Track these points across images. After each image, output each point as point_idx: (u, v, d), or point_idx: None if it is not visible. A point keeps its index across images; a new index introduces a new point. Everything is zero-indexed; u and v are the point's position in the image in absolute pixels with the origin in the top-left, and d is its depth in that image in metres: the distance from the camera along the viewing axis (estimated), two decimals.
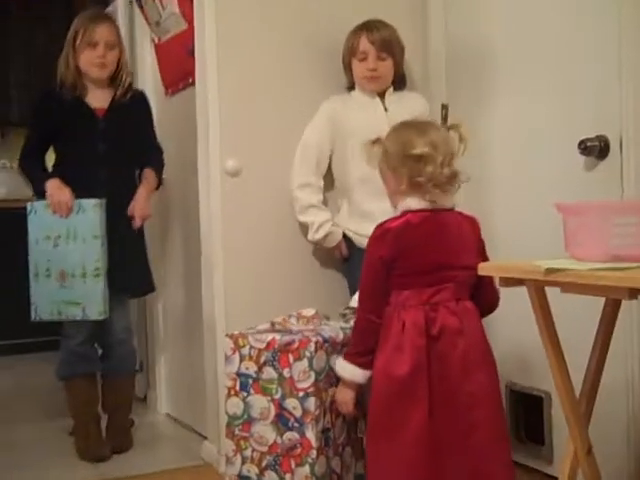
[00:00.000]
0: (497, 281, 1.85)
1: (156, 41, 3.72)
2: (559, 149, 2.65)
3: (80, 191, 2.97)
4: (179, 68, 3.46)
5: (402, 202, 2.03)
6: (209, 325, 3.04)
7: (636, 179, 2.38)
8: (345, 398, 2.07)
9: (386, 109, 2.89)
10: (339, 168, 2.90)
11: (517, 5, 2.85)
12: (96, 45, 3.04)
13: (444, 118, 3.15)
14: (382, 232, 2.02)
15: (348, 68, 2.97)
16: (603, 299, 1.88)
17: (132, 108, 3.16)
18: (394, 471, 1.91)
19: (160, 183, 3.28)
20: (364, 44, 2.89)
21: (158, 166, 3.26)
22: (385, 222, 2.05)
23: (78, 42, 3.04)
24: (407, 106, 2.85)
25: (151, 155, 3.26)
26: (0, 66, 5.81)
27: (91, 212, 2.94)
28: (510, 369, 2.87)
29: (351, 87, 3.01)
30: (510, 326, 2.88)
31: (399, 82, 2.99)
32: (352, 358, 2.04)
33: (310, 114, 2.99)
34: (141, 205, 3.11)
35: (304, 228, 2.99)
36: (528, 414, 2.88)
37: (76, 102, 3.07)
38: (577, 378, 1.87)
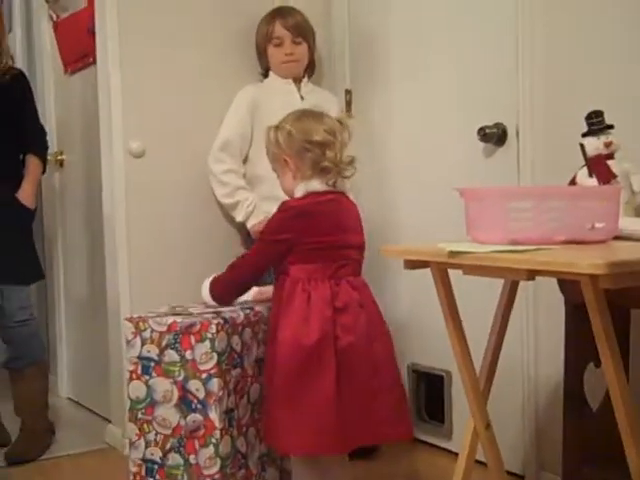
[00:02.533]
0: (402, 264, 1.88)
1: (54, 18, 3.62)
2: (459, 135, 2.72)
3: None
4: (79, 47, 3.37)
5: (302, 184, 2.09)
6: (113, 308, 3.01)
7: (532, 165, 2.47)
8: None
9: (302, 97, 2.92)
10: (254, 155, 2.89)
11: None
12: None
13: (348, 103, 3.21)
14: (286, 209, 2.08)
15: (263, 54, 3.00)
16: (502, 280, 1.94)
17: (12, 90, 3.01)
18: (303, 436, 1.98)
19: (45, 166, 3.15)
20: (279, 30, 2.93)
21: (41, 151, 3.12)
22: (290, 201, 2.11)
23: None
24: (322, 103, 2.86)
25: (34, 138, 3.11)
26: None
27: None
28: (412, 350, 2.95)
29: (265, 74, 3.03)
30: (410, 308, 2.95)
31: (311, 67, 3.03)
32: (214, 292, 2.20)
33: (217, 95, 2.99)
34: (27, 198, 3.00)
35: (211, 211, 3.00)
36: (429, 393, 2.96)
37: None
38: (476, 357, 1.93)
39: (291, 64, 2.94)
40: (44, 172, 3.17)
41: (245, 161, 2.95)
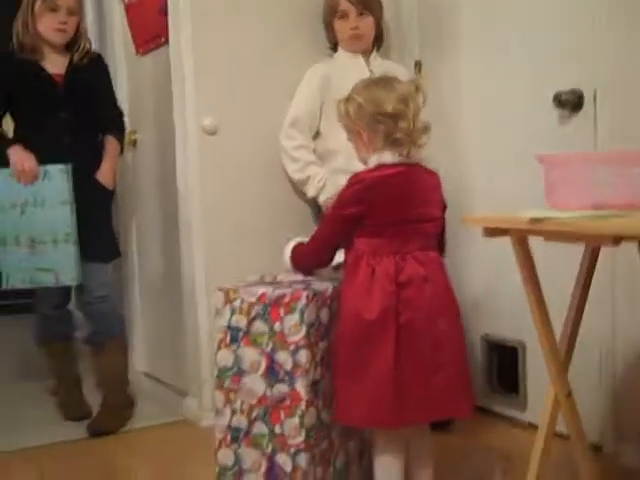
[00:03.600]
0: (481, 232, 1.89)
1: (125, 0, 3.68)
2: (533, 103, 2.70)
3: (44, 157, 2.90)
4: (150, 27, 3.43)
5: (375, 155, 2.07)
6: (188, 284, 3.07)
7: (609, 132, 2.44)
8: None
9: (371, 71, 2.92)
10: (326, 130, 2.93)
11: None
12: (57, 10, 2.95)
13: (417, 74, 3.21)
14: (357, 182, 2.06)
15: (330, 28, 3.02)
16: (581, 250, 1.94)
17: (90, 72, 3.07)
18: (360, 408, 2.00)
19: (122, 148, 3.23)
20: (344, 3, 2.94)
21: (119, 132, 3.20)
22: (360, 173, 2.09)
23: (38, 5, 2.94)
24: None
25: (112, 120, 3.19)
26: None
27: (58, 178, 2.88)
28: (485, 321, 2.95)
29: (333, 49, 3.05)
30: (484, 278, 2.96)
31: (379, 40, 3.04)
32: (294, 261, 2.23)
33: (287, 71, 3.03)
34: (106, 179, 3.08)
35: (283, 187, 3.05)
36: (502, 364, 2.97)
37: (33, 67, 2.98)
38: (555, 326, 1.94)
39: (356, 38, 2.95)
40: (122, 152, 3.24)
41: (316, 136, 2.99)
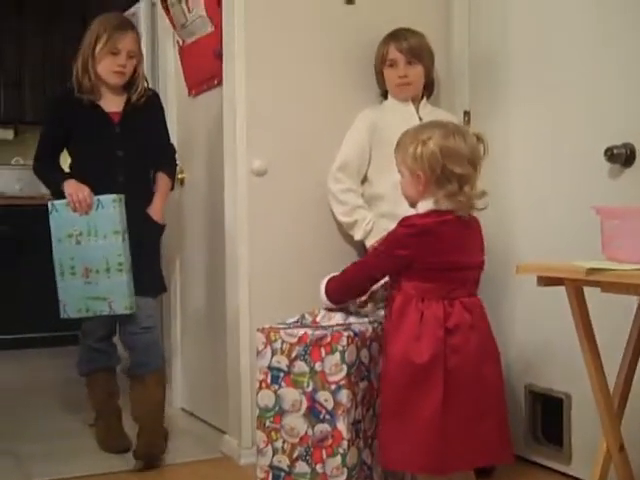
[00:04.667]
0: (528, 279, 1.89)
1: (181, 43, 3.75)
2: (584, 157, 2.69)
3: (98, 193, 2.95)
4: (204, 70, 3.49)
5: (430, 201, 2.07)
6: (233, 321, 3.09)
7: None
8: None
9: (420, 118, 2.94)
10: (373, 175, 2.97)
11: (541, 11, 2.90)
12: (118, 53, 3.02)
13: (467, 125, 3.23)
14: (409, 225, 2.07)
15: (380, 76, 3.06)
16: (634, 303, 1.93)
17: (146, 111, 3.14)
18: (405, 452, 2.00)
19: (174, 184, 3.29)
20: (393, 52, 2.98)
21: (171, 168, 3.26)
22: (413, 217, 2.10)
23: (99, 48, 3.00)
24: None
25: (165, 156, 3.25)
26: (15, 66, 5.84)
27: (110, 207, 2.93)
28: (528, 370, 2.92)
29: (384, 95, 3.09)
30: (527, 328, 2.93)
31: (429, 88, 3.07)
32: (329, 291, 2.25)
33: (338, 117, 3.06)
34: (158, 214, 3.15)
35: (330, 229, 3.07)
36: (546, 415, 2.93)
37: (91, 106, 3.05)
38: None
39: (405, 86, 2.98)
40: (172, 189, 3.29)
41: (364, 181, 3.02)
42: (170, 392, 3.88)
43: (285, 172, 3.07)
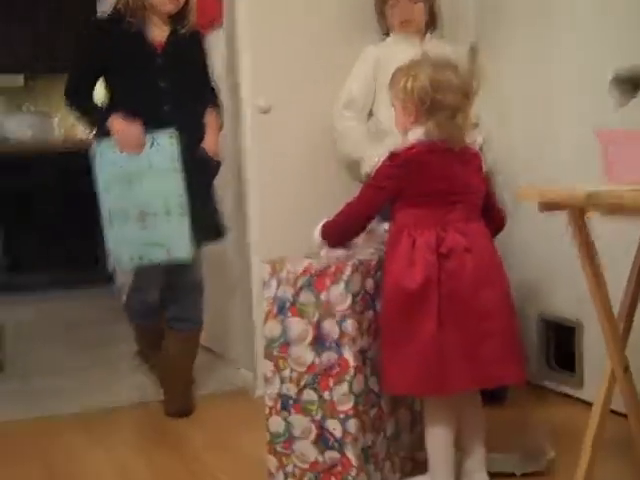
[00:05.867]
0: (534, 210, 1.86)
1: None
2: (591, 84, 2.63)
3: (146, 126, 2.70)
4: (206, 12, 3.39)
5: (420, 130, 2.06)
6: (242, 255, 3.09)
7: None
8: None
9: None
10: (378, 110, 2.91)
11: None
12: None
13: (473, 59, 3.15)
14: (395, 158, 2.06)
15: (381, 15, 3.00)
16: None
17: (189, 45, 2.90)
18: (405, 377, 2.02)
19: (222, 123, 2.99)
20: None
21: (218, 107, 2.97)
22: (401, 149, 2.08)
23: None
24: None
25: (211, 94, 2.99)
26: (27, 15, 5.75)
27: (167, 144, 2.67)
28: (541, 299, 2.91)
29: (386, 33, 3.02)
30: (540, 257, 2.91)
31: (432, 22, 3.00)
32: (324, 232, 2.19)
33: (341, 53, 3.02)
34: (214, 149, 2.87)
35: (335, 166, 3.04)
36: (559, 343, 2.93)
37: (133, 34, 2.79)
38: (613, 303, 1.89)
39: (407, 23, 2.91)
40: (221, 128, 2.99)
41: (369, 117, 2.97)
42: None
43: (290, 109, 3.05)
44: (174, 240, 2.69)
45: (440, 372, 1.99)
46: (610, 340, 1.82)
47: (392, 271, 2.07)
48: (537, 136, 2.91)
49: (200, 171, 2.79)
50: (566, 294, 2.80)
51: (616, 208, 1.60)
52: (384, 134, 2.87)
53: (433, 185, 2.05)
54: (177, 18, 2.87)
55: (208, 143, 2.86)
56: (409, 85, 2.06)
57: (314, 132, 3.05)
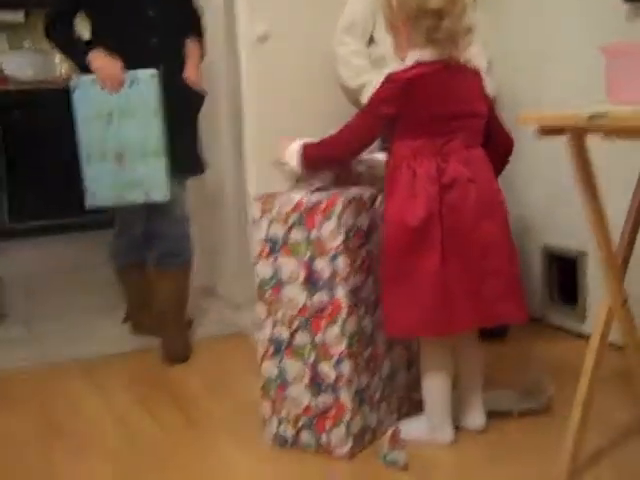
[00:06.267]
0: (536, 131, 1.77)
1: None
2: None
3: (129, 61, 2.64)
4: None
5: (414, 53, 1.98)
6: (238, 191, 3.02)
7: None
8: (281, 152, 2.12)
9: None
10: (379, 36, 2.80)
11: None
12: None
13: None
14: (391, 81, 1.96)
15: None
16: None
17: None
18: (408, 317, 1.96)
19: (204, 51, 2.94)
20: None
21: (200, 35, 2.93)
22: (397, 72, 1.99)
23: None
24: None
25: (192, 21, 2.92)
26: None
27: (148, 84, 2.62)
28: (544, 230, 2.84)
29: None
30: (543, 187, 2.83)
31: None
32: (307, 157, 2.06)
33: None
34: (196, 80, 2.82)
35: (337, 95, 2.91)
36: (562, 275, 2.86)
37: None
38: (615, 235, 1.82)
39: None
40: (203, 56, 2.93)
41: (370, 42, 2.86)
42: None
43: (289, 36, 2.96)
44: (152, 181, 2.67)
45: (445, 311, 1.92)
46: (608, 271, 1.74)
47: (392, 205, 1.99)
48: (542, 58, 2.82)
49: (182, 105, 2.74)
50: (569, 224, 2.72)
51: (618, 130, 1.51)
52: (385, 61, 2.77)
53: (433, 109, 1.95)
54: None
55: (189, 74, 2.80)
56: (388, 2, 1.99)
57: (314, 60, 2.96)
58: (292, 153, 2.08)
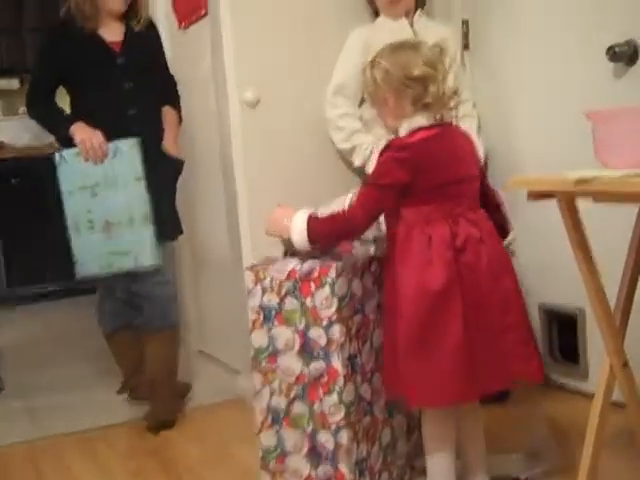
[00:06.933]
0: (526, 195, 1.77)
1: None
2: (587, 57, 2.54)
3: (109, 132, 2.69)
4: (191, 0, 3.36)
5: (407, 122, 1.97)
6: (235, 258, 3.01)
7: None
8: (279, 228, 2.05)
9: (415, 33, 2.82)
10: None
11: None
12: None
13: (465, 34, 3.07)
14: (395, 149, 1.94)
15: None
16: (635, 212, 1.80)
17: (146, 39, 2.90)
18: (435, 388, 1.89)
19: (181, 117, 3.02)
20: None
21: (177, 101, 3.01)
22: (396, 140, 1.98)
23: None
24: (438, 37, 2.77)
25: (169, 88, 3.00)
26: (13, 12, 5.68)
27: (130, 153, 2.67)
28: (541, 288, 2.82)
29: (375, 14, 2.94)
30: (538, 245, 2.82)
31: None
32: (314, 234, 1.99)
33: (330, 38, 2.93)
34: (174, 148, 2.89)
35: (329, 157, 2.96)
36: (562, 333, 2.84)
37: (89, 37, 2.77)
38: (611, 292, 1.81)
39: (395, 2, 2.83)
40: (180, 122, 3.02)
41: (361, 104, 2.87)
42: (187, 334, 3.87)
43: (279, 101, 2.94)
44: (140, 248, 2.71)
45: (470, 377, 1.87)
46: (606, 334, 1.73)
47: (408, 274, 1.92)
48: (532, 114, 2.82)
49: (162, 172, 2.80)
50: (566, 281, 2.68)
51: (607, 195, 1.51)
52: (376, 122, 2.78)
53: (441, 173, 1.93)
54: (130, 15, 2.85)
55: (167, 142, 2.88)
56: (372, 74, 2.00)
57: (305, 123, 2.95)
58: (297, 230, 2.01)
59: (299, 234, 2.00)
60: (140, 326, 2.94)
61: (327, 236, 2.03)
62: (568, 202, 1.66)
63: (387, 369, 2.01)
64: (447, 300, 1.89)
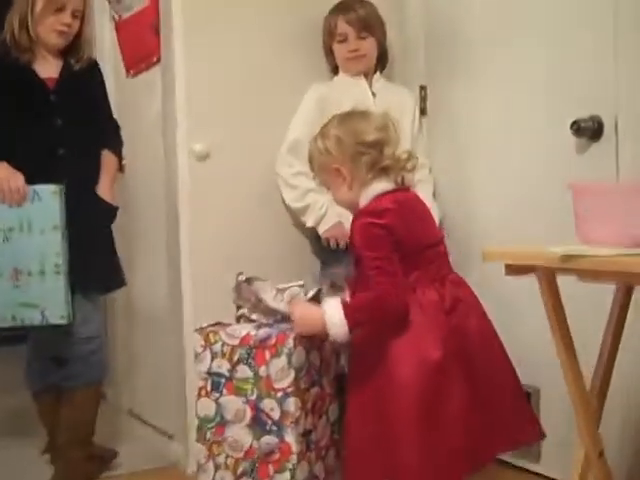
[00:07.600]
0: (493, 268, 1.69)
1: (116, 19, 3.51)
2: (549, 131, 2.51)
3: (36, 174, 2.57)
4: (142, 47, 3.25)
5: (367, 190, 1.92)
6: (174, 319, 2.85)
7: (633, 161, 2.25)
8: (312, 324, 1.89)
9: (374, 94, 2.79)
10: None
11: None
12: (63, 10, 2.64)
13: (423, 99, 3.03)
14: (377, 213, 1.86)
15: (329, 52, 2.88)
16: (608, 289, 1.74)
17: (86, 79, 2.77)
18: (441, 465, 1.78)
19: (121, 163, 2.91)
20: (342, 26, 2.80)
21: (117, 146, 2.89)
22: (369, 207, 1.90)
23: (41, 4, 2.61)
24: (396, 99, 2.80)
25: (109, 132, 2.87)
26: None
27: (49, 200, 2.56)
28: None
29: (334, 71, 2.90)
30: (493, 320, 2.74)
31: (382, 61, 2.90)
32: (354, 323, 1.85)
33: (285, 94, 2.86)
34: (108, 194, 2.77)
35: (280, 217, 2.87)
36: None
37: (22, 71, 2.64)
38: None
39: (356, 60, 2.80)
40: (120, 169, 2.91)
41: None
42: (117, 394, 3.67)
43: (229, 156, 2.84)
44: (49, 302, 2.56)
45: (473, 447, 1.79)
46: (582, 419, 1.64)
47: (404, 343, 1.82)
48: (493, 185, 2.77)
49: (93, 219, 2.69)
50: (521, 359, 2.60)
51: (594, 274, 1.43)
52: None
53: (418, 237, 1.89)
54: (70, 51, 2.73)
55: (101, 188, 2.75)
56: (324, 144, 1.97)
57: (256, 179, 2.86)
58: (335, 323, 1.85)
59: (340, 327, 1.85)
60: (59, 383, 2.77)
61: (368, 321, 1.89)
62: (550, 278, 1.58)
63: (371, 459, 1.83)
64: (447, 367, 1.81)
